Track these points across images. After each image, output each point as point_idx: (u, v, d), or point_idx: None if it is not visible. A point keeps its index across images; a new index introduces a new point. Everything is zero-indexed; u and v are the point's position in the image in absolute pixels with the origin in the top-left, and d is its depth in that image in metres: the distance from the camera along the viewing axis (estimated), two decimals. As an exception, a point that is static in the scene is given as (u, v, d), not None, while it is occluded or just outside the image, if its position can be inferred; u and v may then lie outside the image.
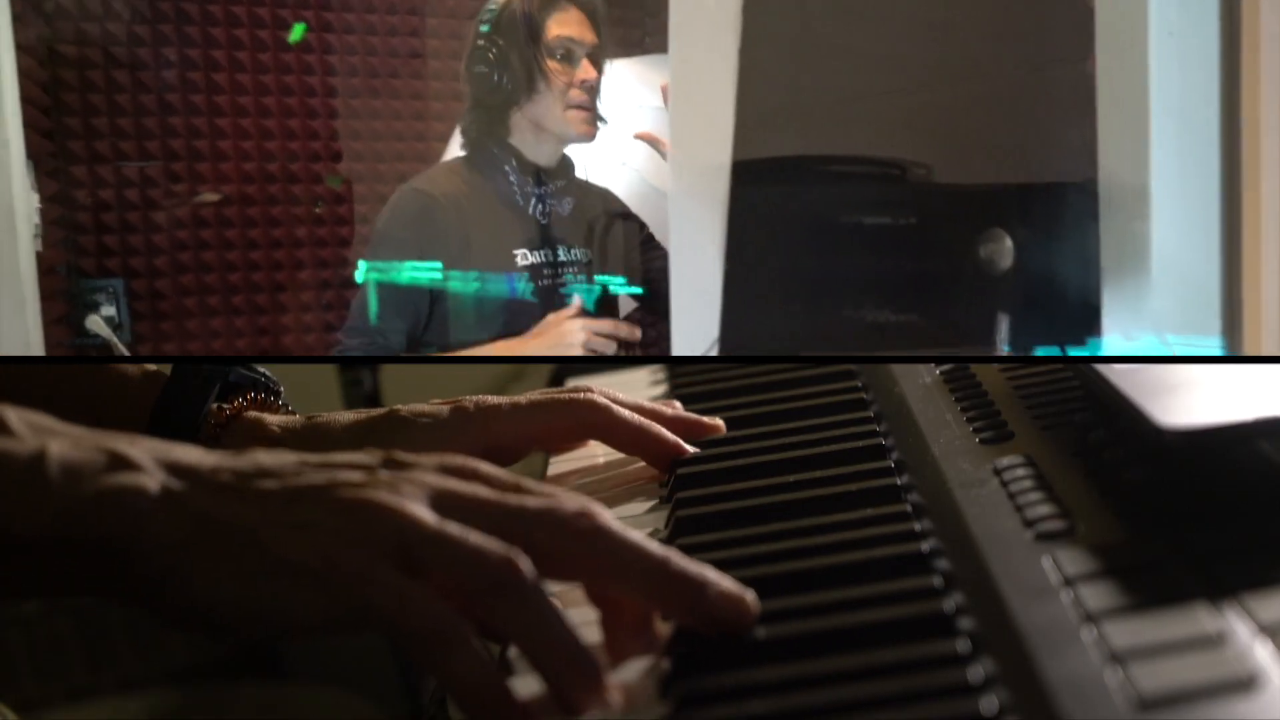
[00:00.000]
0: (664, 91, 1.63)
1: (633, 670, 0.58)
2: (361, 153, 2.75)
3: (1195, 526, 0.56)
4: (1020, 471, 0.66)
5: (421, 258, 1.50)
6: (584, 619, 0.62)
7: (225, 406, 0.81)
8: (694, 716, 0.51)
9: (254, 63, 2.63)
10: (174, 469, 0.57)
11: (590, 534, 0.58)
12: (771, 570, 0.62)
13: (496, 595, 0.55)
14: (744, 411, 0.88)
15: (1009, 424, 0.74)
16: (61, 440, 0.56)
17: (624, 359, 1.53)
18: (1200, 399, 0.59)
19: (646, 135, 1.62)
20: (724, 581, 0.57)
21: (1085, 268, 0.88)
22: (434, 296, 1.53)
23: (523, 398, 0.83)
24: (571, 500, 0.59)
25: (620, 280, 1.64)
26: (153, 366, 0.82)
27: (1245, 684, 0.43)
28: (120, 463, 0.56)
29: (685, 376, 1.01)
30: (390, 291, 1.50)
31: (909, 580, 0.58)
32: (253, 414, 0.82)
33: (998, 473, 0.67)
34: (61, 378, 0.82)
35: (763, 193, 0.80)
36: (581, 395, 0.83)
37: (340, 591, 0.54)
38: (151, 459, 0.57)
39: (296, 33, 2.58)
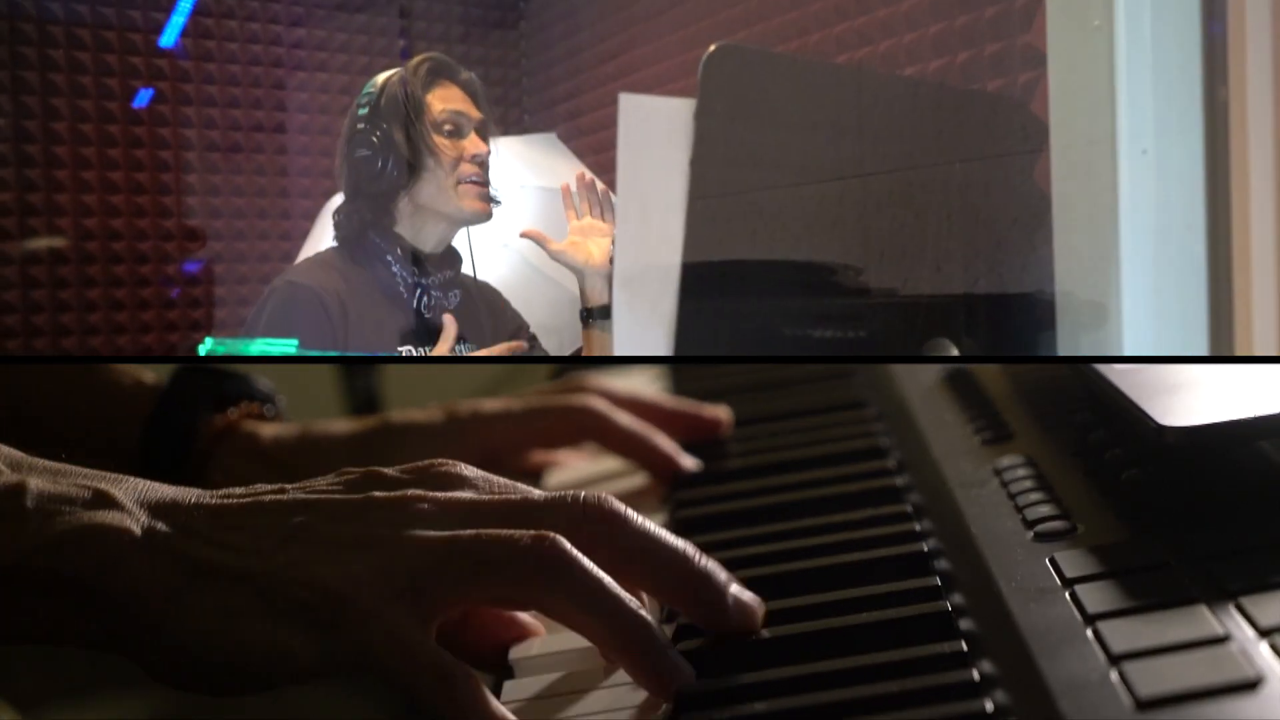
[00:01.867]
0: (564, 191, 1.57)
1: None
2: (221, 230, 2.60)
3: (1195, 526, 0.56)
4: (1020, 471, 0.66)
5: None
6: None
7: (219, 418, 0.81)
8: (694, 716, 0.51)
9: (100, 135, 2.48)
10: (156, 509, 0.55)
11: (608, 518, 0.57)
12: (771, 570, 0.63)
13: (548, 578, 0.54)
14: (744, 411, 0.89)
15: (1009, 424, 0.74)
16: (41, 476, 0.55)
17: (624, 359, 1.52)
18: (1200, 399, 0.59)
19: (532, 233, 1.56)
20: (742, 591, 0.57)
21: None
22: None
23: (519, 400, 0.82)
24: (579, 491, 0.59)
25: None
26: (150, 377, 0.81)
27: (1245, 685, 0.43)
28: (100, 500, 0.55)
29: (686, 376, 1.01)
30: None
31: (909, 580, 0.58)
32: (248, 425, 0.81)
33: (998, 473, 0.67)
34: (57, 385, 0.81)
35: (707, 304, 0.80)
36: (578, 401, 0.81)
37: (346, 637, 0.53)
38: (133, 499, 0.55)
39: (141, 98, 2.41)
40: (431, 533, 0.55)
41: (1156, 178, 0.83)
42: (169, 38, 2.53)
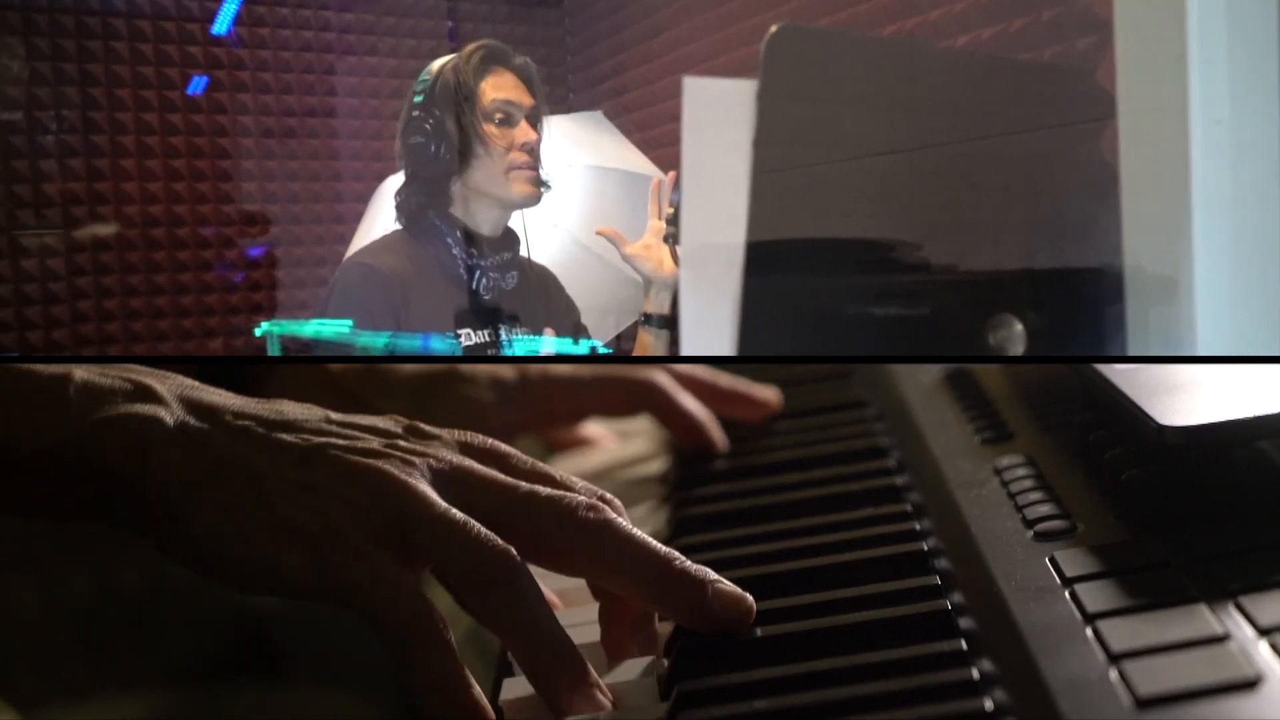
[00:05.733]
0: (654, 186, 1.58)
1: (633, 669, 0.58)
2: (278, 215, 2.68)
3: (1195, 526, 0.56)
4: (1020, 471, 0.66)
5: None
6: (587, 617, 0.62)
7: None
8: (694, 716, 0.51)
9: (162, 123, 2.55)
10: (194, 407, 0.57)
11: (596, 528, 0.58)
12: (772, 570, 0.63)
13: (489, 589, 0.55)
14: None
15: (1009, 424, 0.74)
16: (86, 367, 0.57)
17: (630, 359, 1.52)
18: (1200, 399, 0.59)
19: (608, 232, 1.58)
20: (724, 582, 0.58)
21: (1105, 353, 0.86)
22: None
23: (588, 369, 0.84)
24: (584, 492, 0.60)
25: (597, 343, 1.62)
26: None
27: (1244, 684, 0.43)
28: (141, 393, 0.57)
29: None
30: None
31: (909, 579, 0.58)
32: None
33: (998, 473, 0.67)
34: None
35: (771, 281, 0.80)
36: (644, 375, 0.83)
37: (334, 566, 0.54)
38: (174, 394, 0.57)
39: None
40: (430, 493, 0.56)
41: (1231, 149, 0.81)
42: (221, 25, 2.59)
